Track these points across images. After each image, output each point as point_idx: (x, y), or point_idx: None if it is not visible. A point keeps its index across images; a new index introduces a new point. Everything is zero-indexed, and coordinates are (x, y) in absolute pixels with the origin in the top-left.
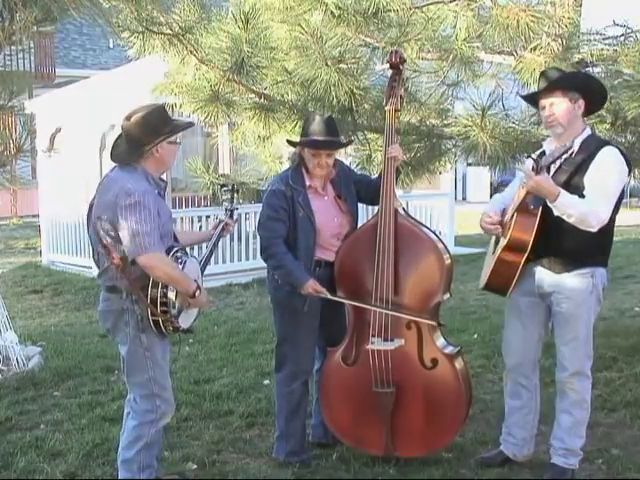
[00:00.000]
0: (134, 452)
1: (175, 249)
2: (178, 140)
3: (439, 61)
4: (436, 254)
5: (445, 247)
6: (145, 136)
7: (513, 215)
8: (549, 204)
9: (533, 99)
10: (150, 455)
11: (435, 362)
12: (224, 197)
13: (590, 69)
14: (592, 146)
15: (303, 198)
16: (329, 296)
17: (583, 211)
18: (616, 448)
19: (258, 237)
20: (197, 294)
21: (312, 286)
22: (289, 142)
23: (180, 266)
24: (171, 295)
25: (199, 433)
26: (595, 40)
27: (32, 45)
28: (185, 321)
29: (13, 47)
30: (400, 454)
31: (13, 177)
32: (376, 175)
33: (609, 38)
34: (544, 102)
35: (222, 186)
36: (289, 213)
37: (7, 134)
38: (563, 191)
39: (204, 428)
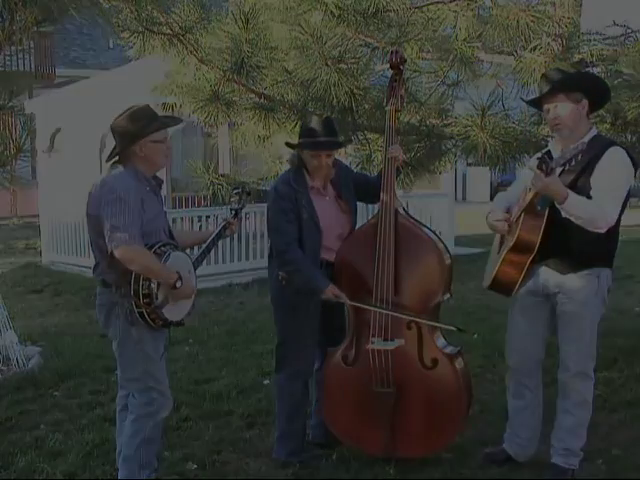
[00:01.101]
0: (134, 448)
1: (160, 243)
2: (167, 138)
3: (439, 61)
4: (436, 254)
5: (445, 247)
6: (128, 136)
7: (520, 216)
8: (557, 205)
9: (537, 103)
10: (150, 452)
11: (435, 362)
12: (232, 198)
13: (590, 69)
14: (598, 147)
15: (306, 200)
16: (347, 301)
17: (591, 212)
18: (616, 448)
19: (271, 241)
20: (178, 285)
21: (332, 291)
22: (288, 144)
23: (162, 259)
24: (153, 287)
25: (199, 433)
26: (595, 40)
27: (32, 45)
28: (173, 313)
29: (13, 47)
30: (400, 454)
31: (13, 177)
32: (376, 174)
33: (609, 38)
34: (548, 106)
35: (234, 188)
36: (295, 215)
37: (7, 134)
38: (572, 193)
39: (204, 428)
